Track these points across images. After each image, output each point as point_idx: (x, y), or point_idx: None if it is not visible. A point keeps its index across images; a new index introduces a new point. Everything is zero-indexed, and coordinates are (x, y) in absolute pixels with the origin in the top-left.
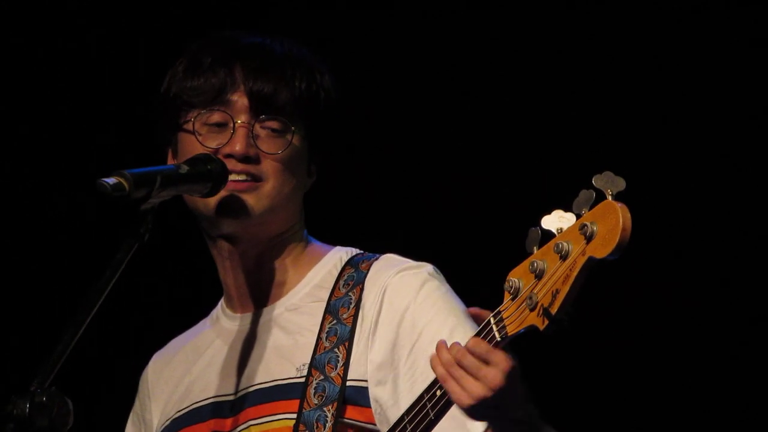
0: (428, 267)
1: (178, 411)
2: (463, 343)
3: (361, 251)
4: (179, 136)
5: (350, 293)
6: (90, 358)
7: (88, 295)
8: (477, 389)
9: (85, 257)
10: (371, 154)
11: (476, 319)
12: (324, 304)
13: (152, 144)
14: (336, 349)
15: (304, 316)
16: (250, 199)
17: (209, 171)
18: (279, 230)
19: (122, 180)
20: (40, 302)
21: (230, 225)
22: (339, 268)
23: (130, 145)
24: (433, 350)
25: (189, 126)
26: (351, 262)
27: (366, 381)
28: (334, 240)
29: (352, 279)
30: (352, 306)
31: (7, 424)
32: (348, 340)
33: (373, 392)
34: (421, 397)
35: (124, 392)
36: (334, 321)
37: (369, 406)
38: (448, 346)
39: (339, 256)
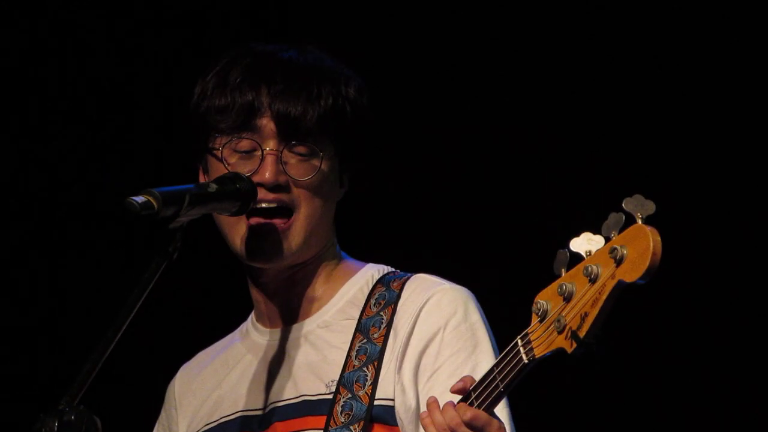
0: (463, 291)
1: (207, 424)
2: None
3: (393, 269)
4: (209, 158)
5: (381, 313)
6: (118, 373)
7: (117, 313)
8: None
9: (114, 275)
10: (395, 170)
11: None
12: (355, 322)
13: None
14: (365, 368)
15: (334, 333)
16: (284, 239)
17: (237, 189)
18: (313, 253)
19: (151, 198)
20: (65, 320)
21: (268, 266)
22: (370, 286)
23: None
24: (451, 384)
25: (218, 153)
26: (382, 281)
27: (393, 400)
28: (363, 256)
29: (384, 298)
30: (383, 326)
31: None
32: (377, 360)
33: (398, 412)
34: None
35: (150, 406)
36: (365, 340)
37: (397, 425)
38: (465, 382)
39: (371, 273)
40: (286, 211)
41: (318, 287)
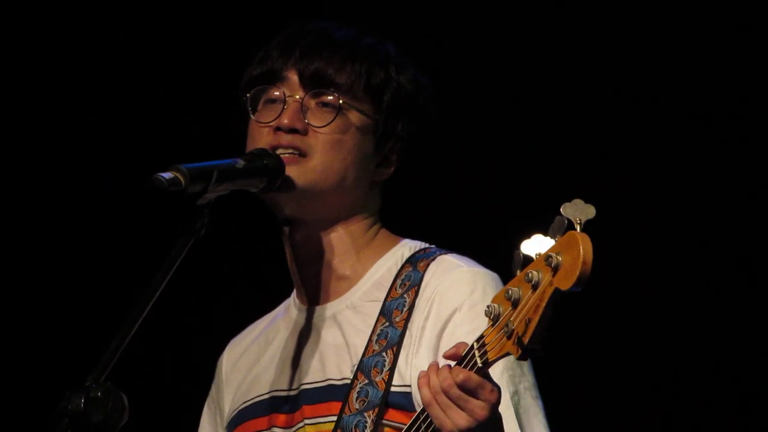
0: (482, 272)
1: (244, 402)
2: None
3: (426, 246)
4: (249, 124)
5: (405, 295)
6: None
7: (144, 290)
8: (461, 420)
9: (142, 251)
10: None
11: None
12: (379, 305)
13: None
14: (384, 353)
15: (360, 315)
16: (292, 171)
17: (265, 166)
18: (338, 213)
19: (178, 175)
20: (96, 298)
21: (282, 200)
22: (399, 266)
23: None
24: None
25: (248, 105)
26: (411, 260)
27: (410, 386)
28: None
29: (409, 279)
30: (405, 309)
31: (62, 420)
32: (396, 345)
33: (416, 397)
34: (417, 417)
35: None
36: (386, 323)
37: (415, 411)
38: (458, 348)
39: (401, 252)
40: (301, 153)
41: (348, 263)
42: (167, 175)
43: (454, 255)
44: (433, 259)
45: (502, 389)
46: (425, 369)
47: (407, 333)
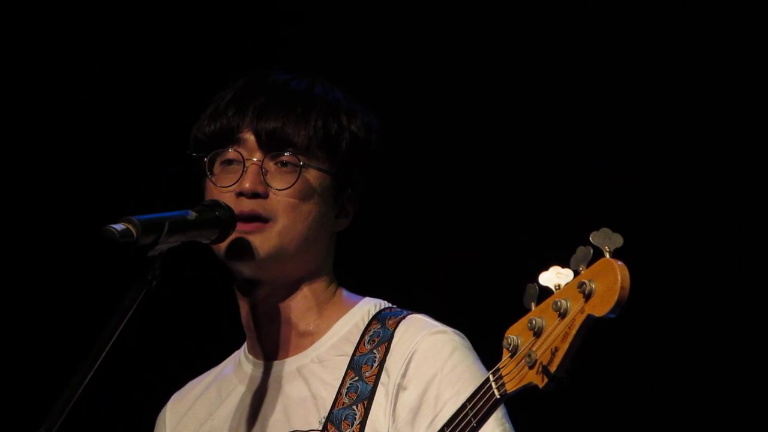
0: (456, 334)
1: None
2: None
3: (390, 305)
4: (205, 182)
5: (375, 350)
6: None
7: (96, 341)
8: None
9: (92, 303)
10: None
11: None
12: (348, 359)
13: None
14: (354, 407)
15: (327, 369)
16: (256, 240)
17: (217, 217)
18: (300, 272)
19: (130, 226)
20: (47, 348)
21: (243, 268)
22: (366, 322)
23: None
24: None
25: (206, 168)
26: (378, 317)
27: None
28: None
29: (378, 335)
30: (375, 365)
31: None
32: (367, 399)
33: None
34: None
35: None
36: (356, 378)
37: None
38: None
39: (367, 308)
40: (263, 219)
41: (311, 320)
42: (119, 226)
43: (423, 315)
44: (403, 318)
45: None
46: (404, 428)
47: (379, 388)
